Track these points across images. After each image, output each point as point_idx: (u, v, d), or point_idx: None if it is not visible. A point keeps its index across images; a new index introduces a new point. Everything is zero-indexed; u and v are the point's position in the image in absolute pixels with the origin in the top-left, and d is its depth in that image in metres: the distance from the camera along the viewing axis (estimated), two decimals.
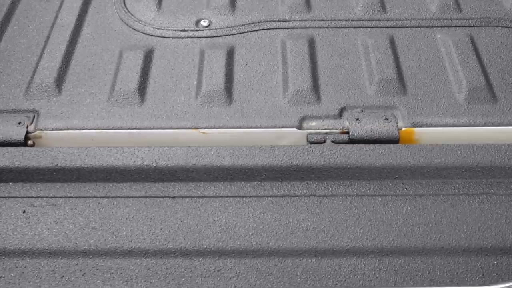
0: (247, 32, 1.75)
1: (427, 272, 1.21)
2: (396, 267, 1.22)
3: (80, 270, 1.22)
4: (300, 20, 1.78)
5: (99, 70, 1.63)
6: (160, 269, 1.22)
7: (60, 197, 1.33)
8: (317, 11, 1.82)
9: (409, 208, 1.31)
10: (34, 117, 1.49)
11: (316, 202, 1.32)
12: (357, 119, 1.47)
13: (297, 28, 1.76)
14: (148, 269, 1.22)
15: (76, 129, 1.47)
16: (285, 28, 1.76)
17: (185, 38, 1.73)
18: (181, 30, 1.76)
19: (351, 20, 1.78)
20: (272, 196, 1.33)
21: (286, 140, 1.47)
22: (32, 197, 1.33)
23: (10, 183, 1.35)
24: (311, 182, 1.35)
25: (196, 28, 1.77)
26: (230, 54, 1.67)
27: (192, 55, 1.67)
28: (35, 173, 1.35)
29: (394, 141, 1.43)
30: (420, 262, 1.22)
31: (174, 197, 1.33)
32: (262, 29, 1.76)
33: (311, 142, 1.45)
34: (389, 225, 1.28)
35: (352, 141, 1.44)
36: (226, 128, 1.48)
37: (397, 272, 1.21)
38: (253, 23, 1.78)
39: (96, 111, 1.52)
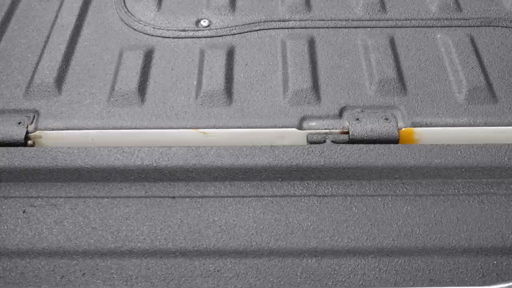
0: (247, 32, 1.75)
1: (427, 272, 1.21)
2: (396, 267, 1.22)
3: (80, 270, 1.22)
4: (300, 20, 1.78)
5: (99, 70, 1.63)
6: (160, 269, 1.22)
7: (60, 197, 1.33)
8: (317, 11, 1.82)
9: (409, 208, 1.31)
10: (34, 117, 1.49)
11: (316, 202, 1.32)
12: (357, 119, 1.47)
13: (297, 28, 1.76)
14: (148, 269, 1.22)
15: (76, 129, 1.47)
16: (285, 28, 1.76)
17: (185, 38, 1.73)
18: (181, 30, 1.76)
19: (351, 20, 1.78)
20: (272, 196, 1.33)
21: (286, 140, 1.47)
22: (32, 197, 1.33)
23: (10, 183, 1.35)
24: (311, 182, 1.35)
25: (196, 28, 1.77)
26: (230, 54, 1.67)
27: (192, 55, 1.67)
28: (35, 173, 1.34)
29: (394, 141, 1.43)
30: (420, 262, 1.22)
31: (174, 197, 1.33)
32: (262, 29, 1.76)
33: (311, 142, 1.45)
34: (389, 225, 1.28)
35: (352, 141, 1.44)
36: (226, 128, 1.48)
37: (397, 272, 1.21)
38: (253, 23, 1.78)
39: (96, 111, 1.52)
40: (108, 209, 1.31)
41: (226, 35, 1.74)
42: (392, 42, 1.70)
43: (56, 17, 1.79)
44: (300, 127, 1.48)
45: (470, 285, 1.19)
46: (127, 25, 1.78)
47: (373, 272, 1.21)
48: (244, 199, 1.32)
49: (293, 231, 1.27)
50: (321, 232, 1.27)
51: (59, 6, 1.83)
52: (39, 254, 1.24)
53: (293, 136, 1.47)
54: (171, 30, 1.76)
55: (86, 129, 1.47)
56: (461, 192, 1.34)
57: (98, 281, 1.20)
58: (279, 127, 1.48)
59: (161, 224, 1.28)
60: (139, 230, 1.27)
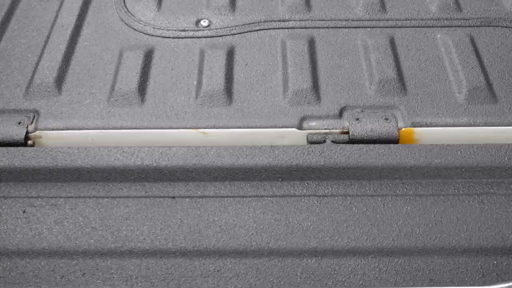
0: (247, 32, 1.75)
1: (427, 272, 1.21)
2: (396, 267, 1.22)
3: (80, 270, 1.22)
4: (300, 20, 1.78)
5: (99, 70, 1.63)
6: (160, 269, 1.22)
7: (60, 197, 1.33)
8: (317, 11, 1.82)
9: (409, 208, 1.31)
10: (34, 117, 1.49)
11: (316, 202, 1.32)
12: (357, 119, 1.47)
13: (297, 28, 1.76)
14: (148, 269, 1.22)
15: (76, 129, 1.47)
16: (285, 28, 1.76)
17: (185, 38, 1.73)
18: (181, 30, 1.76)
19: (351, 20, 1.78)
20: (272, 196, 1.33)
21: (286, 140, 1.47)
22: (32, 197, 1.33)
23: (10, 183, 1.35)
24: (311, 182, 1.35)
25: (196, 28, 1.77)
26: (230, 54, 1.67)
27: (192, 55, 1.67)
28: (35, 173, 1.34)
29: (394, 141, 1.43)
30: (420, 262, 1.22)
31: (174, 197, 1.33)
32: (262, 29, 1.76)
33: (311, 142, 1.45)
34: (389, 225, 1.28)
35: (352, 141, 1.44)
36: (226, 128, 1.48)
37: (397, 272, 1.21)
38: (253, 23, 1.78)
39: (96, 111, 1.52)
40: (108, 209, 1.31)
41: (226, 35, 1.74)
42: (392, 42, 1.70)
43: (56, 17, 1.79)
44: (300, 127, 1.48)
45: (470, 285, 1.19)
46: (127, 25, 1.78)
47: (373, 272, 1.21)
48: (244, 199, 1.32)
49: (293, 231, 1.27)
50: (321, 232, 1.27)
51: (59, 6, 1.83)
52: (39, 254, 1.24)
53: (293, 136, 1.47)
54: (171, 30, 1.76)
55: (86, 129, 1.47)
56: (461, 192, 1.34)
57: (98, 281, 1.20)
58: (279, 127, 1.48)
59: (161, 224, 1.28)
60: (139, 230, 1.27)
